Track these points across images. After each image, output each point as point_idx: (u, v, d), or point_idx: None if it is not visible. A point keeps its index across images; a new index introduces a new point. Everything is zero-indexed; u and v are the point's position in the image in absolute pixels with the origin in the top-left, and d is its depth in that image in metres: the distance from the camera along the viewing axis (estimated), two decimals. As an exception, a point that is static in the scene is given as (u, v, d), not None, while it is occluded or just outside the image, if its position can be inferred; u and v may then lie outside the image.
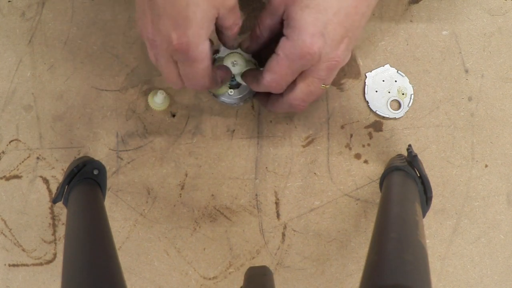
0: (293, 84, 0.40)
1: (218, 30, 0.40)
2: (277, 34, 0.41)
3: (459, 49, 0.50)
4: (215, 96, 0.47)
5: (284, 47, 0.37)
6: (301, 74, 0.39)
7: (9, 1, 0.50)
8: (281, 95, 0.42)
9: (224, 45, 0.43)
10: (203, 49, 0.36)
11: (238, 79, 0.45)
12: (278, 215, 0.50)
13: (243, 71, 0.45)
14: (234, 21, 0.38)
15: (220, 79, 0.42)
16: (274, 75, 0.38)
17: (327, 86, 0.41)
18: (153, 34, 0.36)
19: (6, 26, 0.50)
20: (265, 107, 0.45)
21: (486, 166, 0.50)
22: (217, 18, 0.36)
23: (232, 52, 0.45)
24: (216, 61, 0.46)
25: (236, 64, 0.45)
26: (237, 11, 0.38)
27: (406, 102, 0.49)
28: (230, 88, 0.47)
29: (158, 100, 0.48)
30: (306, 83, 0.39)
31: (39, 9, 0.50)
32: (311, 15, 0.35)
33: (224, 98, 0.47)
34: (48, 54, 0.50)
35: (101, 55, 0.50)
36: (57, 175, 0.50)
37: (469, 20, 0.50)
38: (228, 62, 0.45)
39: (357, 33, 0.38)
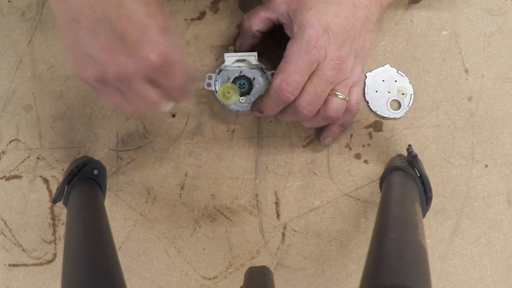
0: (301, 89, 0.41)
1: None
2: (267, 33, 0.44)
3: (459, 49, 0.50)
4: (226, 106, 0.46)
5: (291, 46, 0.39)
6: (309, 77, 0.40)
7: (9, 1, 0.50)
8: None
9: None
10: (177, 49, 0.33)
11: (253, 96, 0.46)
12: (278, 215, 0.50)
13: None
14: None
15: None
16: (283, 75, 0.39)
17: (346, 98, 0.42)
18: (123, 64, 0.31)
19: (6, 26, 0.50)
20: (275, 116, 0.45)
21: (486, 166, 0.50)
22: None
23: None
24: (221, 71, 0.46)
25: (256, 82, 0.46)
26: None
27: (406, 102, 0.49)
28: (241, 95, 0.46)
29: None
30: (313, 84, 0.40)
31: (39, 9, 0.50)
32: (315, 15, 0.39)
33: (235, 107, 0.46)
34: (48, 54, 0.50)
35: (101, 55, 0.50)
36: (57, 175, 0.50)
37: (469, 20, 0.50)
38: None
39: (360, 42, 0.41)
